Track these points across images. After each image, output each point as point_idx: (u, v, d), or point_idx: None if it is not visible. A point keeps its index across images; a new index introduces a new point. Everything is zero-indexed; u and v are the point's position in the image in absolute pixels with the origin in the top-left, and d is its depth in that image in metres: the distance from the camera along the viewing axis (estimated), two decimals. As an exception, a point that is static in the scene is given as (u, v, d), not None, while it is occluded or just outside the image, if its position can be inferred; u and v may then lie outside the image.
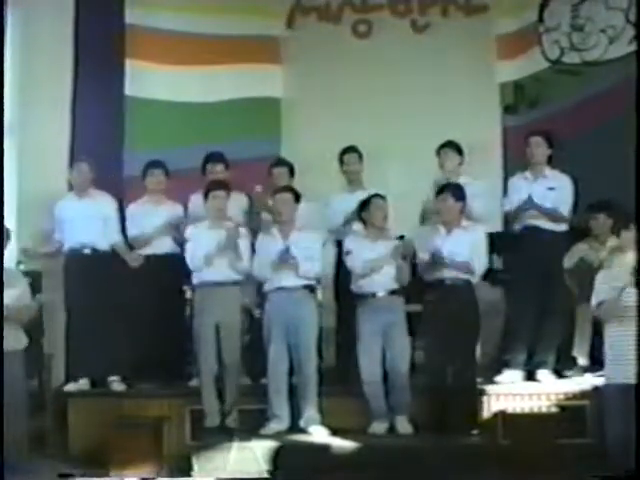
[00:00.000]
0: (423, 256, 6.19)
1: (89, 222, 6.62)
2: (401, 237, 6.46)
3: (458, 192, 6.26)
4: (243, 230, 6.32)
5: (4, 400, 5.29)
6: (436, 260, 6.08)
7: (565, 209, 6.55)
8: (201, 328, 6.19)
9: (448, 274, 6.14)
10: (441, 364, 6.11)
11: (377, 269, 6.17)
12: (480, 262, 6.22)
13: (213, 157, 6.93)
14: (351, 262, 6.28)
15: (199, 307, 6.27)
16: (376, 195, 6.33)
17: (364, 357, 6.15)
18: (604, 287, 5.35)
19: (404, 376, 6.13)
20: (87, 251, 6.62)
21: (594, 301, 5.42)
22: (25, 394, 5.75)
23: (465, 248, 6.16)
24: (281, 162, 7.07)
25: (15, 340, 5.67)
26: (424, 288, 6.28)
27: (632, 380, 5.08)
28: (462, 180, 6.52)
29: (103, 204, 6.77)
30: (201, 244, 6.20)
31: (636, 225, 5.38)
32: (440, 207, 6.27)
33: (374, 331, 6.13)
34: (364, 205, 6.33)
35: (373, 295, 6.19)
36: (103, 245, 6.68)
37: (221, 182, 6.47)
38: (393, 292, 6.21)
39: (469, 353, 6.19)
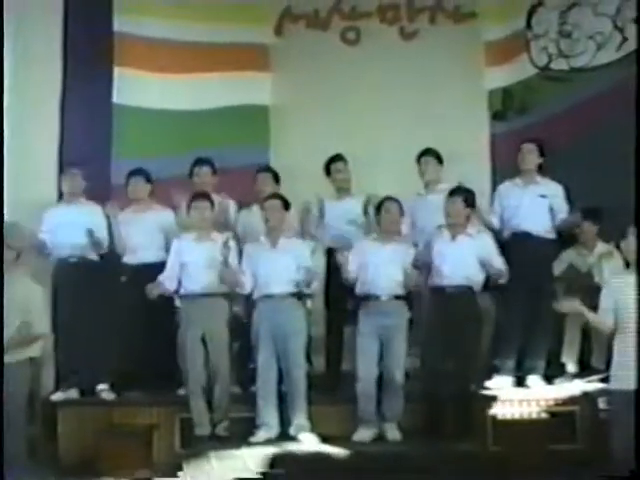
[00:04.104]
0: (425, 261, 6.18)
1: (79, 231, 6.57)
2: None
3: (470, 197, 6.23)
4: (231, 241, 6.31)
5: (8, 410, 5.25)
6: (438, 274, 6.13)
7: (561, 217, 6.57)
8: (187, 339, 6.17)
9: (448, 281, 6.12)
10: (440, 371, 6.06)
11: (384, 273, 6.14)
12: (498, 265, 6.16)
13: (200, 161, 7.01)
14: (357, 265, 6.21)
15: (185, 318, 6.25)
16: (388, 198, 6.32)
17: (361, 357, 6.14)
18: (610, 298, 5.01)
19: (398, 382, 6.10)
20: (75, 260, 6.60)
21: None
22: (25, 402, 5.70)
23: (469, 256, 6.13)
24: (266, 168, 7.13)
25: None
26: (424, 294, 6.29)
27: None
28: (441, 187, 6.56)
29: (92, 213, 6.73)
30: (189, 256, 6.22)
31: (636, 226, 5.34)
32: (449, 210, 6.21)
33: (373, 333, 6.11)
34: (377, 208, 6.33)
35: (377, 298, 6.16)
36: (92, 254, 6.65)
37: (203, 193, 6.48)
38: (397, 297, 6.19)
39: (469, 361, 6.14)
